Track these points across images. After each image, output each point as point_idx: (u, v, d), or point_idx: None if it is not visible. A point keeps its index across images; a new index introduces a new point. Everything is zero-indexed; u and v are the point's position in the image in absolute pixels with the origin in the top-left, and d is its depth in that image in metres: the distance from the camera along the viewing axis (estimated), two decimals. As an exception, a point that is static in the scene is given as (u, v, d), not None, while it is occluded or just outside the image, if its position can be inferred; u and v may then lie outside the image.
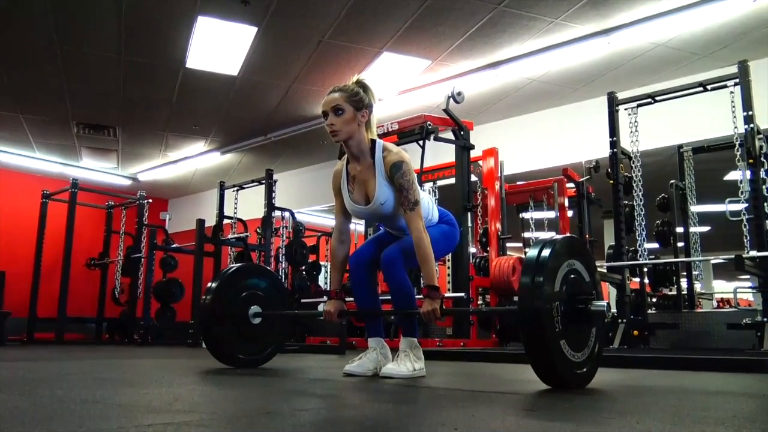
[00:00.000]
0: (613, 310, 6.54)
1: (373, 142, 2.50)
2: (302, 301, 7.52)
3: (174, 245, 8.77)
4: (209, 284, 3.03)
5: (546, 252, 2.02)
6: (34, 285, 8.20)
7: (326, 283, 8.83)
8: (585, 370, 2.09)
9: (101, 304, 8.95)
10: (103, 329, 8.91)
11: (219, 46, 5.89)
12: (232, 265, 3.23)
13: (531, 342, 1.98)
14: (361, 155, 2.48)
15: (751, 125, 4.49)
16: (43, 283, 8.24)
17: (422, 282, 2.43)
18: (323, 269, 9.05)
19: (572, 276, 2.09)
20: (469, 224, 6.04)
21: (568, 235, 2.21)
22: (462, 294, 5.42)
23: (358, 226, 8.38)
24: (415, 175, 2.51)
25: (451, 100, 5.39)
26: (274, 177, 7.75)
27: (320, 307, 8.14)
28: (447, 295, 5.58)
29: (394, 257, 2.50)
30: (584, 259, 2.19)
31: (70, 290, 8.05)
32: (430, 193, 6.33)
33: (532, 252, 2.06)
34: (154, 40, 5.83)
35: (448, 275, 5.78)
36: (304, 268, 8.39)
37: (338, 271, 2.68)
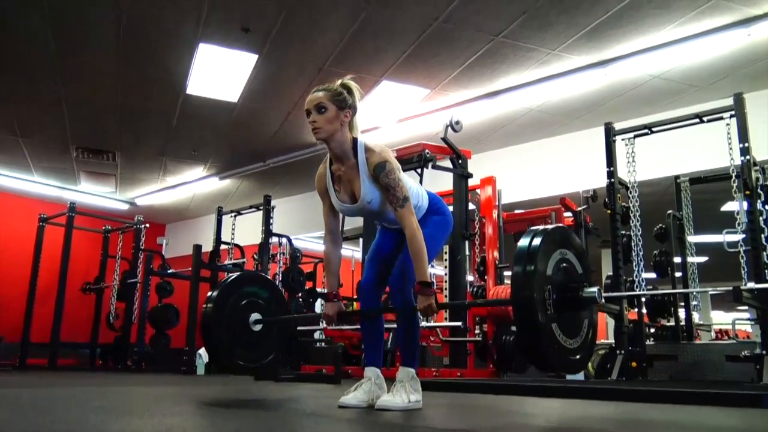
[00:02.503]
0: (611, 340, 6.50)
1: (355, 140, 2.48)
2: (298, 328, 7.45)
3: (170, 270, 8.72)
4: (210, 293, 3.05)
5: (537, 241, 2.07)
6: (28, 309, 8.12)
7: (323, 305, 8.77)
8: (579, 357, 2.11)
9: (95, 329, 8.85)
10: (97, 355, 8.80)
11: (219, 73, 5.94)
12: (231, 274, 3.25)
13: (524, 330, 2.01)
14: (344, 155, 2.47)
15: (747, 157, 4.50)
16: (37, 307, 8.16)
17: (415, 278, 2.40)
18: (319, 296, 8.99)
19: (563, 264, 2.14)
20: (467, 253, 6.03)
21: (558, 225, 2.25)
22: (459, 323, 5.38)
23: (355, 252, 8.35)
24: (400, 169, 2.50)
25: (450, 128, 5.41)
26: (272, 203, 7.75)
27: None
28: (444, 324, 5.54)
29: (403, 286, 2.50)
30: (575, 248, 2.24)
31: (64, 315, 7.98)
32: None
33: (523, 241, 2.11)
34: (155, 67, 5.88)
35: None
36: (300, 294, 8.34)
37: (333, 274, 2.68)
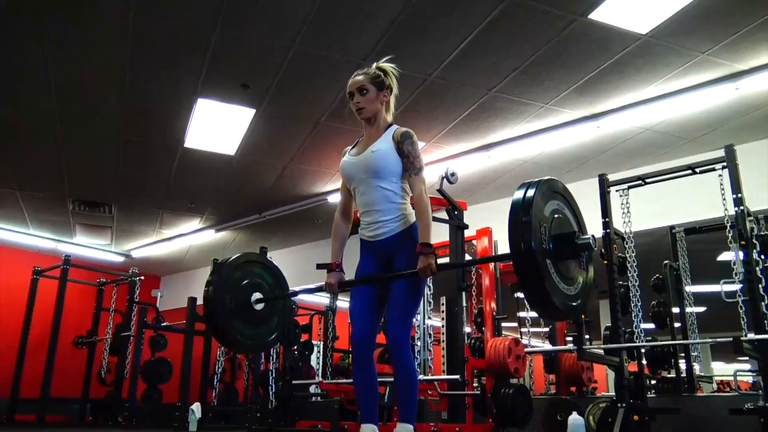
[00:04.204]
0: (612, 392, 6.39)
1: (390, 124, 2.69)
2: (293, 382, 7.32)
3: (164, 323, 8.61)
4: (211, 276, 3.08)
5: (530, 192, 2.23)
6: (18, 363, 7.96)
7: (318, 363, 8.63)
8: (578, 302, 2.26)
9: (86, 384, 8.66)
10: (87, 411, 8.59)
11: (217, 127, 6.02)
12: (231, 255, 3.28)
13: (525, 278, 2.13)
14: (377, 129, 2.67)
15: (741, 207, 4.54)
16: (28, 361, 8.00)
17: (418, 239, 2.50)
18: (315, 349, 8.87)
19: (557, 215, 2.30)
20: (464, 304, 5.98)
21: (548, 177, 2.30)
22: (457, 376, 5.29)
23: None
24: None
25: (445, 180, 5.45)
26: (268, 255, 7.73)
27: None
28: (442, 377, 5.45)
29: (402, 339, 2.48)
30: (567, 200, 2.42)
31: (55, 369, 7.82)
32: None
33: (517, 194, 2.26)
34: (153, 121, 5.96)
35: (443, 356, 5.66)
36: (296, 348, 8.22)
37: (338, 241, 2.78)
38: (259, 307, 3.08)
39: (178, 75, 5.15)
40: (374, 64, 2.72)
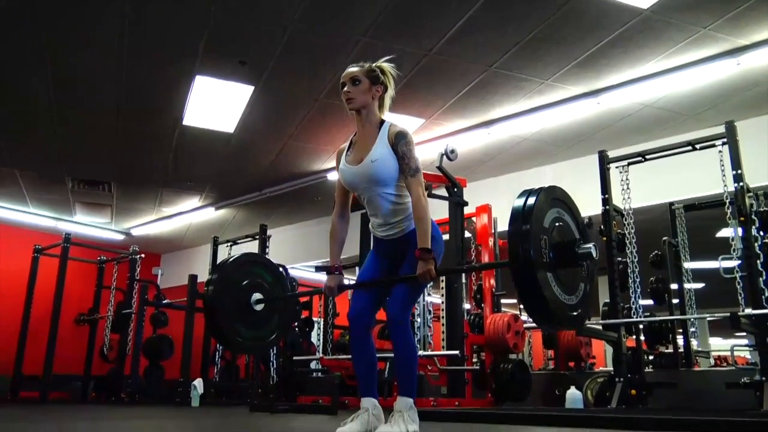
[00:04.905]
0: (610, 367, 6.45)
1: (383, 121, 2.62)
2: (294, 358, 7.39)
3: (165, 301, 8.66)
4: (210, 276, 3.06)
5: (531, 200, 2.17)
6: (20, 342, 8.03)
7: (319, 339, 8.70)
8: (578, 312, 2.19)
9: (88, 361, 8.73)
10: (90, 388, 8.67)
11: (216, 105, 5.99)
12: (231, 255, 3.29)
13: (524, 288, 2.07)
14: (369, 125, 2.60)
15: (741, 183, 4.54)
16: (30, 340, 8.07)
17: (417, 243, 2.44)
18: (316, 325, 8.93)
19: (558, 223, 2.23)
20: (464, 281, 6.02)
21: (549, 185, 2.28)
22: (456, 351, 5.34)
23: (351, 282, 8.30)
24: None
25: (445, 157, 5.46)
26: (268, 232, 7.74)
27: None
28: (441, 353, 5.50)
29: (402, 318, 2.49)
30: (568, 206, 2.34)
31: (57, 347, 7.88)
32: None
33: (517, 202, 2.20)
34: (151, 99, 5.93)
35: (443, 333, 5.71)
36: (296, 324, 8.28)
37: (337, 242, 2.73)
38: (259, 307, 3.06)
39: (175, 51, 5.11)
40: (373, 64, 2.65)
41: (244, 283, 3.08)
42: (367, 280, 2.68)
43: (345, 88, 2.58)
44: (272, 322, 3.18)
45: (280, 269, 7.78)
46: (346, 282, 2.78)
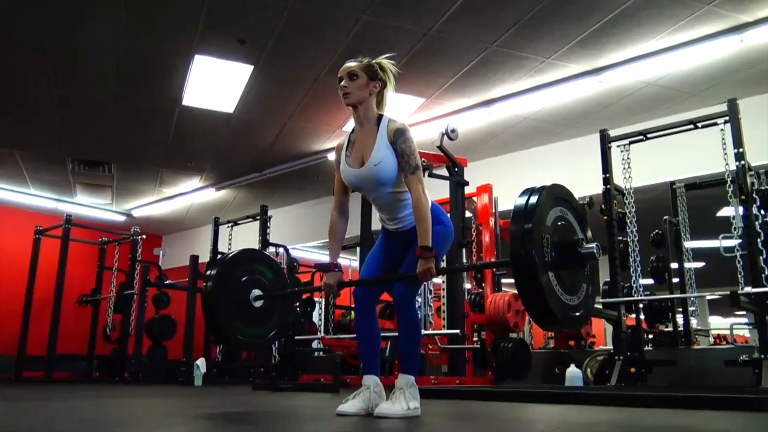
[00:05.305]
0: (610, 346, 6.49)
1: (381, 115, 2.59)
2: (296, 338, 7.44)
3: (167, 282, 8.69)
4: (209, 271, 3.04)
5: (533, 199, 2.11)
6: (24, 322, 8.09)
7: (320, 319, 8.76)
8: (580, 312, 2.15)
9: (92, 341, 8.80)
10: (94, 367, 8.75)
11: (215, 84, 5.96)
12: (231, 250, 3.27)
13: (525, 288, 2.03)
14: (367, 122, 2.57)
15: (742, 162, 4.53)
16: (34, 320, 8.12)
17: (417, 242, 2.43)
18: (317, 305, 8.97)
19: (560, 223, 2.18)
20: (464, 260, 6.03)
21: (553, 183, 2.26)
22: (457, 330, 5.37)
23: (352, 261, 8.34)
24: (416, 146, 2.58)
25: (445, 137, 5.44)
26: (269, 213, 7.75)
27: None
28: (442, 331, 5.54)
29: (407, 294, 2.51)
30: (571, 205, 2.28)
31: (60, 327, 7.94)
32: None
33: (519, 201, 2.13)
34: (151, 78, 5.89)
35: (444, 312, 5.74)
36: (297, 304, 8.32)
37: (336, 239, 2.71)
38: (259, 304, 3.04)
39: (174, 30, 5.07)
40: (373, 60, 2.62)
41: (244, 279, 3.03)
42: (375, 262, 2.69)
43: (342, 83, 2.53)
44: (272, 319, 3.13)
45: (281, 249, 7.80)
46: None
